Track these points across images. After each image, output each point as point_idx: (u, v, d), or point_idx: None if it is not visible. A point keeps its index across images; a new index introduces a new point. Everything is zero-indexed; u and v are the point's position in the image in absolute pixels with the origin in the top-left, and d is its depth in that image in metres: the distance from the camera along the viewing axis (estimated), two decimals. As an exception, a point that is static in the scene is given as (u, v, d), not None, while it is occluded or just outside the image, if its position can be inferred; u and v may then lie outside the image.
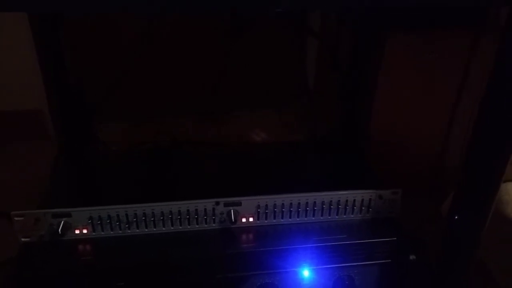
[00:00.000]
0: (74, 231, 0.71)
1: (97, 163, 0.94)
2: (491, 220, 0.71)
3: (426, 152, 1.08)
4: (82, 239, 0.71)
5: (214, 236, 0.73)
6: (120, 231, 0.72)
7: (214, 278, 0.71)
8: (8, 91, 1.13)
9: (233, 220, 0.72)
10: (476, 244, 0.74)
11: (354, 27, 0.99)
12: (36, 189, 0.79)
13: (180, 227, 0.73)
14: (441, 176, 1.11)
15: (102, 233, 0.71)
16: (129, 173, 0.87)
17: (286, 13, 1.01)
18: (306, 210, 0.75)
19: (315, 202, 0.75)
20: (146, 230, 0.72)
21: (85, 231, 0.71)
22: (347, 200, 0.75)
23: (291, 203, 0.74)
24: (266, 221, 0.75)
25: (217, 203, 0.72)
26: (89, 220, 0.70)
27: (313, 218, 0.76)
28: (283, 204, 0.74)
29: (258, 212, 0.74)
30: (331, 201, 0.75)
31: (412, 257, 0.72)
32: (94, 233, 0.71)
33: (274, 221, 0.75)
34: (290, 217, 0.75)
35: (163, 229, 0.73)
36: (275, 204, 0.74)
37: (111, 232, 0.71)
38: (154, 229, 0.72)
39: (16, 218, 0.68)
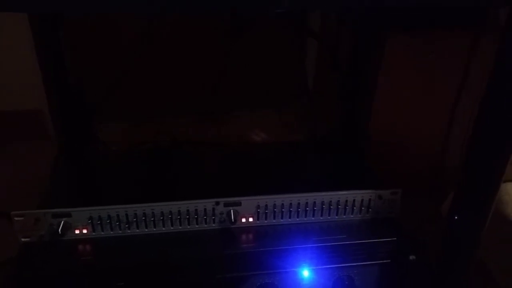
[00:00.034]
0: (74, 231, 0.71)
1: (97, 163, 0.94)
2: (491, 220, 0.71)
3: (426, 152, 1.08)
4: (82, 239, 0.71)
5: (214, 236, 0.73)
6: (120, 231, 0.72)
7: (214, 278, 0.71)
8: (8, 91, 1.13)
9: (233, 220, 0.72)
10: (476, 244, 0.74)
11: (354, 27, 0.99)
12: (36, 189, 0.79)
13: (180, 227, 0.73)
14: (441, 176, 1.11)
15: (102, 233, 0.71)
16: (129, 173, 0.87)
17: (286, 13, 1.01)
18: (306, 210, 0.75)
19: (315, 202, 0.75)
20: (146, 230, 0.72)
21: (85, 231, 0.71)
22: (347, 200, 0.75)
23: (291, 203, 0.74)
24: (266, 221, 0.75)
25: (217, 203, 0.72)
26: (89, 220, 0.70)
27: (313, 218, 0.76)
28: (283, 204, 0.74)
29: (258, 212, 0.74)
30: (331, 201, 0.75)
31: (412, 257, 0.72)
32: (94, 233, 0.71)
33: (274, 221, 0.75)
34: (290, 217, 0.75)
35: (163, 229, 0.73)
36: (275, 204, 0.74)
37: (111, 232, 0.71)
38: (154, 229, 0.72)
39: (16, 218, 0.68)
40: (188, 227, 0.73)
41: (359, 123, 1.02)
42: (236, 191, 0.74)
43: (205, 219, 0.73)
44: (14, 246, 0.69)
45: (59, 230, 0.69)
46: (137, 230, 0.72)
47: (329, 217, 0.76)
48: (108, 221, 0.70)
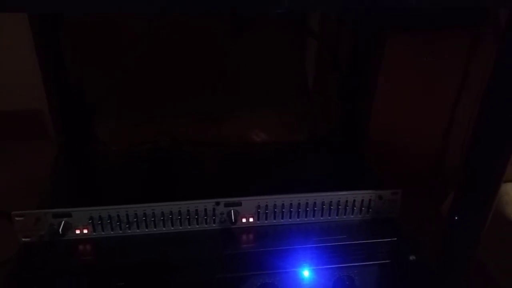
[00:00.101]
0: (75, 231, 0.71)
1: (97, 163, 0.94)
2: (491, 220, 0.71)
3: (426, 152, 1.08)
4: (82, 239, 0.71)
5: (214, 236, 0.73)
6: (121, 231, 0.72)
7: (214, 278, 0.71)
8: (8, 91, 1.14)
9: (233, 220, 0.72)
10: (476, 244, 0.74)
11: (354, 27, 0.99)
12: (36, 189, 0.79)
13: (181, 227, 0.73)
14: (441, 176, 1.11)
15: (103, 233, 0.71)
16: (129, 173, 0.87)
17: (286, 13, 1.01)
18: (306, 211, 0.75)
19: (315, 203, 0.75)
20: (147, 230, 0.72)
21: (85, 231, 0.71)
22: (347, 201, 0.75)
23: (291, 204, 0.74)
24: (266, 222, 0.75)
25: (217, 203, 0.72)
26: (89, 220, 0.70)
27: (313, 219, 0.76)
28: (283, 204, 0.74)
29: (258, 213, 0.74)
30: (331, 201, 0.75)
31: (412, 257, 0.72)
32: (94, 233, 0.71)
33: (274, 221, 0.75)
34: (290, 218, 0.75)
35: (164, 229, 0.73)
36: (275, 205, 0.74)
37: (112, 232, 0.71)
38: (155, 229, 0.72)
39: (16, 218, 0.68)
40: (189, 227, 0.73)
41: (359, 123, 1.02)
42: (236, 191, 0.74)
43: (206, 219, 0.73)
44: (14, 246, 0.69)
45: (60, 230, 0.69)
46: (138, 230, 0.72)
47: (329, 217, 0.76)
48: (108, 221, 0.70)
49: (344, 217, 0.77)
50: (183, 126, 1.13)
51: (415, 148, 1.06)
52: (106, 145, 1.00)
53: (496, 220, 0.76)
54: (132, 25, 1.03)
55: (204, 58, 1.13)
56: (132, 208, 0.71)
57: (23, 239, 0.70)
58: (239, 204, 0.73)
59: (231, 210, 0.73)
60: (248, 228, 0.74)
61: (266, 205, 0.74)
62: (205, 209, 0.72)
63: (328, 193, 0.75)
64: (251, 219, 0.74)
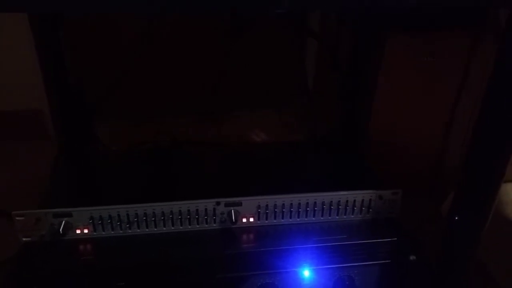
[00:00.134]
0: (75, 231, 0.71)
1: (97, 163, 0.94)
2: (491, 220, 0.71)
3: (426, 152, 1.08)
4: (83, 239, 0.71)
5: (214, 236, 0.73)
6: (121, 231, 0.72)
7: (214, 278, 0.71)
8: (8, 91, 1.14)
9: (233, 220, 0.72)
10: (476, 244, 0.74)
11: (354, 27, 0.99)
12: (36, 189, 0.79)
13: (181, 227, 0.73)
14: (441, 176, 1.11)
15: (103, 233, 0.71)
16: (129, 173, 0.87)
17: (286, 13, 1.01)
18: (307, 211, 0.75)
19: (315, 203, 0.75)
20: (147, 230, 0.72)
21: (86, 231, 0.71)
22: (347, 201, 0.76)
23: (291, 203, 0.74)
24: (266, 221, 0.75)
25: (218, 203, 0.72)
26: (90, 220, 0.70)
27: (313, 219, 0.76)
28: (283, 204, 0.74)
29: (259, 212, 0.74)
30: (331, 201, 0.75)
31: (412, 257, 0.72)
32: (95, 233, 0.71)
33: (275, 221, 0.75)
34: (290, 217, 0.75)
35: (164, 229, 0.73)
36: (275, 204, 0.74)
37: (112, 232, 0.71)
38: (155, 229, 0.72)
39: (17, 218, 0.68)
40: (189, 227, 0.73)
41: (359, 123, 1.02)
42: (236, 191, 0.74)
43: (206, 219, 0.73)
44: (15, 246, 0.69)
45: (60, 230, 0.69)
46: (138, 230, 0.72)
47: (329, 217, 0.76)
48: (109, 221, 0.70)
49: (344, 217, 0.77)
50: (183, 126, 1.13)
51: (415, 148, 1.06)
52: (106, 145, 1.00)
53: (496, 220, 0.77)
54: (132, 25, 1.03)
55: (204, 58, 1.13)
56: (132, 208, 0.71)
57: (24, 239, 0.70)
58: (240, 204, 0.73)
59: (231, 210, 0.73)
60: (249, 228, 0.74)
61: (267, 205, 0.74)
62: (206, 209, 0.72)
63: (328, 193, 0.75)
64: (251, 219, 0.74)
